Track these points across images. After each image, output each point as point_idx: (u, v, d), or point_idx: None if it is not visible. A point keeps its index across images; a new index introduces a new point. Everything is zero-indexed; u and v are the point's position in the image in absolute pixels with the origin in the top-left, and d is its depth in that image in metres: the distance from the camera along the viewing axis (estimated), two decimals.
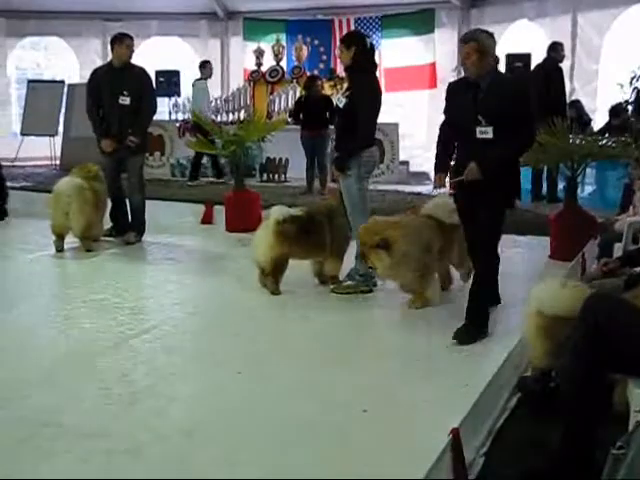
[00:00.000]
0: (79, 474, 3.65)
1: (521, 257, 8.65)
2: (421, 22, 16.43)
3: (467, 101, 5.50)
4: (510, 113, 5.33)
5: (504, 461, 3.79)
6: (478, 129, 5.40)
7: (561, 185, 10.71)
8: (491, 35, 5.63)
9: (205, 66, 14.88)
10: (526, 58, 12.98)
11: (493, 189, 5.43)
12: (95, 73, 9.20)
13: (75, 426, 4.10)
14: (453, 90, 5.80)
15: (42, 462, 3.73)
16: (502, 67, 13.52)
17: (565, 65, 12.19)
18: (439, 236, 6.44)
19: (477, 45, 5.44)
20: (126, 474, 3.66)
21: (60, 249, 8.52)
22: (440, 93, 15.10)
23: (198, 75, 14.73)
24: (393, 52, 16.72)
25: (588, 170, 8.99)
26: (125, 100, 8.75)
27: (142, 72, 9.05)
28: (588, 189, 10.76)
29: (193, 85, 14.87)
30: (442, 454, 3.24)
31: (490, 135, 5.38)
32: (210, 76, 14.99)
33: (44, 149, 16.84)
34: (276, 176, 14.88)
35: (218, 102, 16.00)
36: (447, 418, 3.64)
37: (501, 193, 5.52)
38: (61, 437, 4.00)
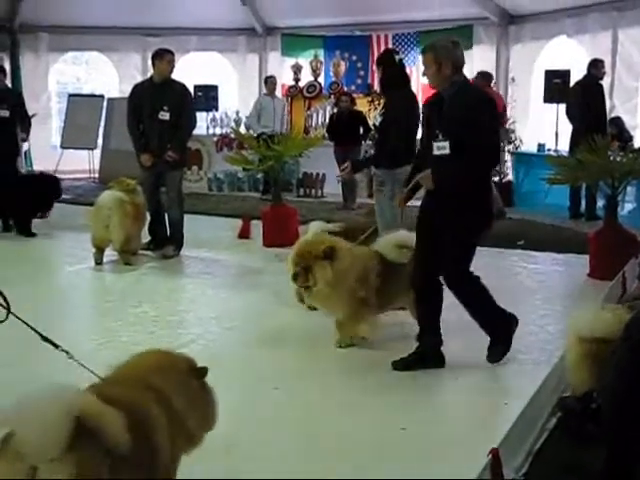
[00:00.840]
0: None
1: (559, 275, 8.59)
2: (459, 38, 16.33)
3: (432, 114, 5.32)
4: (463, 127, 5.01)
5: None
6: (435, 144, 5.16)
7: (600, 202, 10.61)
8: (454, 44, 5.27)
9: (267, 81, 14.96)
10: (565, 75, 12.91)
11: (458, 215, 5.11)
12: (136, 88, 9.31)
13: None
14: (428, 103, 5.58)
15: None
16: (541, 83, 13.51)
17: (605, 82, 12.09)
18: (379, 272, 5.80)
19: (434, 56, 5.14)
20: None
21: (99, 262, 8.60)
22: None
23: (237, 89, 14.76)
24: None
25: (628, 188, 8.90)
26: (165, 115, 8.82)
27: (182, 88, 9.12)
28: (628, 207, 10.64)
29: (259, 100, 14.94)
30: (481, 474, 3.22)
31: (447, 151, 5.11)
32: (274, 91, 15.01)
33: (83, 162, 17.02)
34: (313, 191, 14.91)
35: None
36: (486, 437, 3.63)
37: (468, 218, 5.14)
38: None
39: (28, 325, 3.29)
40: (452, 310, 6.60)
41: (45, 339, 3.29)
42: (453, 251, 5.20)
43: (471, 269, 5.31)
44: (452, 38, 5.44)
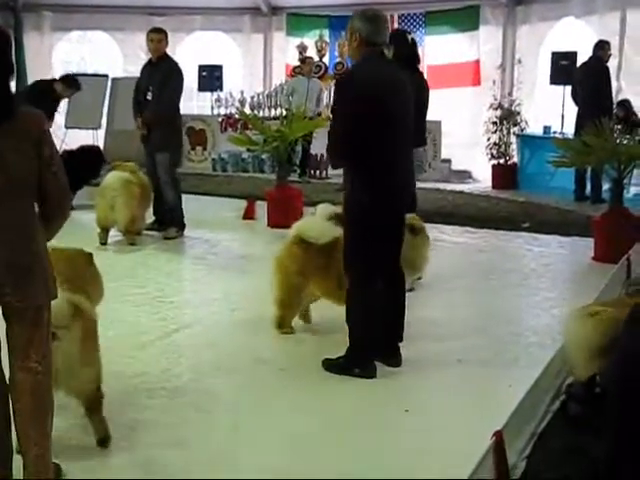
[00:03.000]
0: (120, 466, 3.69)
1: (564, 258, 8.57)
2: (465, 19, 16.28)
3: None
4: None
5: (546, 466, 3.75)
6: None
7: (605, 186, 10.56)
8: (371, 16, 4.87)
9: (304, 61, 14.86)
10: (572, 56, 12.81)
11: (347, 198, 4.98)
12: (142, 68, 9.35)
13: (116, 419, 4.12)
14: None
15: (84, 455, 3.78)
16: (547, 65, 13.42)
17: (612, 63, 11.99)
18: (309, 261, 5.68)
19: (349, 26, 4.91)
20: (169, 469, 3.69)
21: (104, 242, 8.59)
22: (484, 90, 15.08)
23: (242, 69, 14.66)
24: (437, 49, 16.61)
25: (634, 171, 8.82)
26: (149, 96, 8.89)
27: (169, 66, 9.02)
28: (634, 190, 10.58)
29: (292, 81, 14.90)
30: (485, 456, 3.22)
31: None
32: (310, 72, 14.94)
33: (87, 142, 16.97)
34: (317, 172, 14.86)
35: (260, 97, 16.03)
36: (490, 419, 3.62)
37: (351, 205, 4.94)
38: None
39: None
40: (461, 289, 6.64)
41: None
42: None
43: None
44: (374, 10, 5.05)
